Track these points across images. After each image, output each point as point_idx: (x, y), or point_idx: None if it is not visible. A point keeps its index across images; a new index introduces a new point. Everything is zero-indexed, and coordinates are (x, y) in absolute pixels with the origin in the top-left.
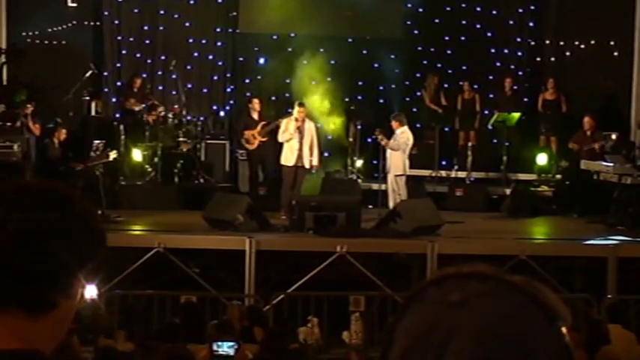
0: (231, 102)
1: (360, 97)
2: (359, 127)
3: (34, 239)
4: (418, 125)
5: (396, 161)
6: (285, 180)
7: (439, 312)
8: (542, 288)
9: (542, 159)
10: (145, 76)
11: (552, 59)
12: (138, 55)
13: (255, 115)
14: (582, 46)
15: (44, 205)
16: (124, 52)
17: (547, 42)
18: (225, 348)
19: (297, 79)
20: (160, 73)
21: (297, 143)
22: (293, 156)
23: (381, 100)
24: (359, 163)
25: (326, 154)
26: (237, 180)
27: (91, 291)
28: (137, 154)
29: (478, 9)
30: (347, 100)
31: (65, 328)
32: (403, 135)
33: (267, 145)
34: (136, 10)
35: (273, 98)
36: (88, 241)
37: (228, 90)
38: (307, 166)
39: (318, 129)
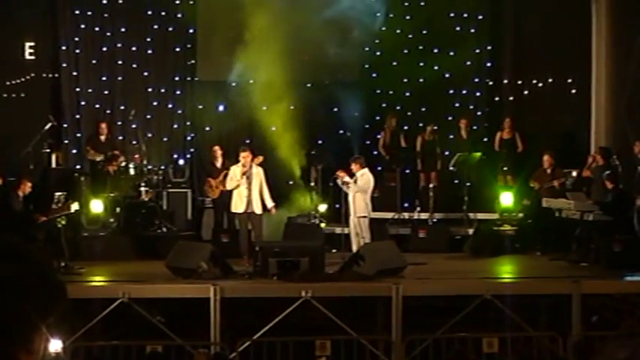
0: (192, 150)
1: (320, 142)
2: (320, 170)
3: None
4: (379, 168)
5: (359, 203)
6: (240, 227)
7: None
8: None
9: (506, 198)
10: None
11: (510, 98)
12: (97, 106)
13: (218, 163)
14: (540, 85)
15: (1, 258)
16: (83, 103)
17: (505, 81)
18: None
19: (257, 125)
20: (119, 122)
21: (246, 190)
22: (242, 203)
23: (341, 144)
24: (321, 207)
25: (288, 200)
26: (200, 228)
27: (55, 345)
28: (98, 205)
29: (435, 50)
30: (307, 144)
31: None
32: (364, 177)
33: (230, 193)
34: (94, 62)
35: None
36: (46, 293)
37: (189, 138)
38: (258, 211)
39: (266, 172)
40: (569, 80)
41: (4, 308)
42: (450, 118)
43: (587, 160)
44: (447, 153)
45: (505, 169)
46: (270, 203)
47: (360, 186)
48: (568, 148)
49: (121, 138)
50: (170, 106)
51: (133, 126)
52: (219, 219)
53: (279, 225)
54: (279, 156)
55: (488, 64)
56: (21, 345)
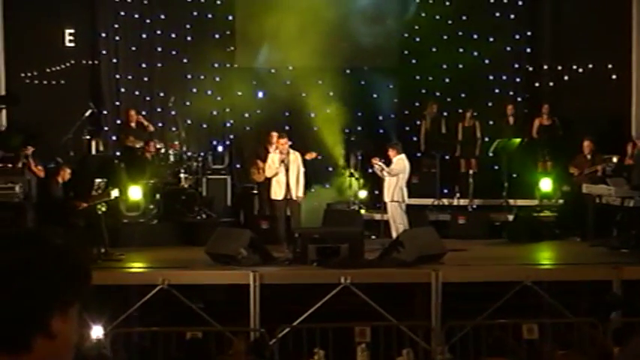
0: (231, 137)
1: (359, 128)
2: (359, 157)
3: (5, 278)
4: (418, 154)
5: (392, 188)
6: (278, 214)
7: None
8: None
9: (545, 184)
10: (144, 113)
11: (550, 84)
12: (136, 93)
13: (271, 149)
14: (580, 70)
15: (17, 244)
16: (122, 90)
17: (544, 67)
18: None
19: (295, 112)
20: (159, 110)
21: (284, 176)
22: (281, 189)
23: (381, 130)
24: (361, 193)
25: (327, 186)
26: (240, 214)
27: (97, 331)
28: (137, 192)
29: (475, 36)
30: (347, 131)
31: None
32: (399, 162)
33: None
34: (133, 48)
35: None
36: (67, 277)
37: (228, 125)
38: (296, 197)
39: (303, 158)
40: (610, 66)
41: (15, 292)
42: (489, 104)
43: (627, 150)
44: (486, 139)
45: (544, 155)
46: (300, 193)
47: (394, 172)
48: (608, 134)
49: (160, 125)
50: (209, 92)
51: (172, 113)
52: (262, 204)
53: (318, 211)
54: (318, 142)
55: (528, 50)
56: (37, 329)
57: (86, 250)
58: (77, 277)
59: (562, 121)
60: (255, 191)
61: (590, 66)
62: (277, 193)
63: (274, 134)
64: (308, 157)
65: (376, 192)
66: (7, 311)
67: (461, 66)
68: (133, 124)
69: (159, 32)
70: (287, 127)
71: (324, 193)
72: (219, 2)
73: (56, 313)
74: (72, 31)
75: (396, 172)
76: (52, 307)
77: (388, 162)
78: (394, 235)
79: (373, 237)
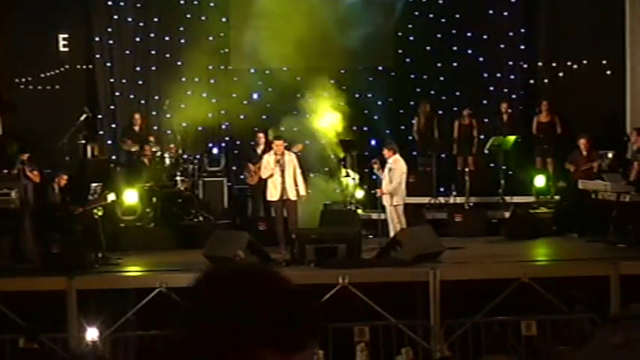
0: (227, 139)
1: (355, 128)
2: (355, 157)
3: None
4: (414, 153)
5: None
6: (276, 215)
7: (601, 354)
8: None
9: (540, 181)
10: (137, 117)
11: (546, 81)
12: (131, 96)
13: (259, 149)
14: (575, 67)
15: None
16: (117, 94)
17: (539, 64)
18: None
19: (291, 113)
20: (154, 113)
21: (280, 177)
22: (277, 190)
23: (376, 130)
24: (358, 193)
25: (324, 186)
26: (236, 216)
27: (92, 334)
28: (133, 195)
29: (469, 34)
30: (342, 131)
31: None
32: (397, 165)
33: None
34: (127, 52)
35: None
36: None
37: (223, 127)
38: (293, 198)
39: (299, 158)
40: (604, 62)
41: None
42: (485, 102)
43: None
44: (482, 137)
45: (544, 152)
46: (302, 191)
47: (397, 179)
48: (604, 130)
49: (155, 128)
50: (204, 95)
51: (168, 116)
52: (257, 206)
53: (315, 212)
54: (314, 143)
55: (522, 47)
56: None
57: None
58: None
59: (561, 118)
60: (249, 193)
61: (585, 62)
62: (273, 194)
63: (261, 135)
64: (295, 149)
65: (373, 191)
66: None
67: (455, 64)
68: (136, 128)
69: (153, 35)
70: (282, 129)
71: (321, 193)
72: (212, 4)
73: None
74: (66, 36)
75: (399, 177)
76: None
77: (383, 162)
78: (392, 234)
79: (371, 236)
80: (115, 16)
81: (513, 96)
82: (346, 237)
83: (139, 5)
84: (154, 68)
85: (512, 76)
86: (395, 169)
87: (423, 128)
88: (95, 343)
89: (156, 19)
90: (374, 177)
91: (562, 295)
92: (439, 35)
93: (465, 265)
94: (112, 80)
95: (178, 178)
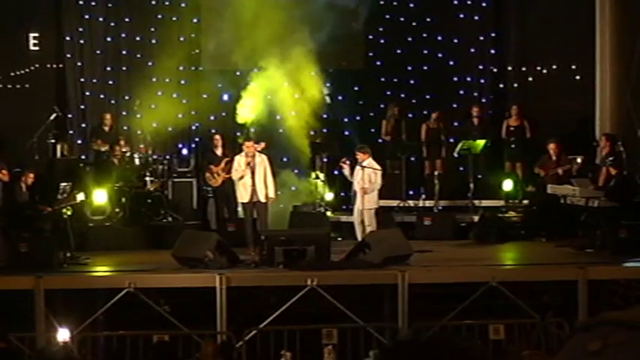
0: (197, 140)
1: (325, 130)
2: (325, 160)
3: None
4: (384, 156)
5: (369, 195)
6: (245, 216)
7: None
8: None
9: (508, 185)
10: (108, 117)
11: (515, 85)
12: (102, 96)
13: (219, 152)
14: (545, 71)
15: None
16: (87, 93)
17: (509, 68)
18: None
19: (261, 115)
20: (124, 113)
21: (250, 179)
22: (247, 192)
23: (347, 132)
24: (327, 195)
25: (293, 188)
26: (206, 217)
27: (63, 334)
28: (102, 195)
29: (439, 38)
30: (312, 133)
31: None
32: (375, 165)
33: (232, 182)
34: (98, 52)
35: (238, 134)
36: None
37: (194, 128)
38: (263, 200)
39: (271, 161)
40: (574, 67)
41: None
42: (454, 106)
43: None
44: (451, 140)
45: (513, 156)
46: (272, 194)
47: (376, 180)
48: (573, 134)
49: (125, 128)
50: (175, 95)
51: (138, 116)
52: (221, 208)
53: (284, 214)
54: (284, 144)
55: (493, 51)
56: None
57: None
58: None
59: (531, 122)
60: (210, 195)
61: (555, 67)
62: (243, 195)
63: (218, 137)
64: (259, 147)
65: (342, 194)
66: None
67: (426, 67)
68: (106, 128)
69: (124, 35)
70: (252, 130)
71: (290, 195)
72: (184, 5)
73: None
74: (36, 34)
75: (380, 178)
76: None
77: (353, 165)
78: (359, 236)
79: (339, 239)
80: (86, 16)
81: (483, 100)
82: (315, 239)
83: (110, 5)
84: (124, 68)
85: (482, 80)
86: (375, 171)
87: (392, 131)
88: (66, 343)
89: (127, 19)
90: (344, 178)
91: (531, 299)
92: (410, 38)
93: (434, 268)
94: (82, 80)
95: (148, 178)
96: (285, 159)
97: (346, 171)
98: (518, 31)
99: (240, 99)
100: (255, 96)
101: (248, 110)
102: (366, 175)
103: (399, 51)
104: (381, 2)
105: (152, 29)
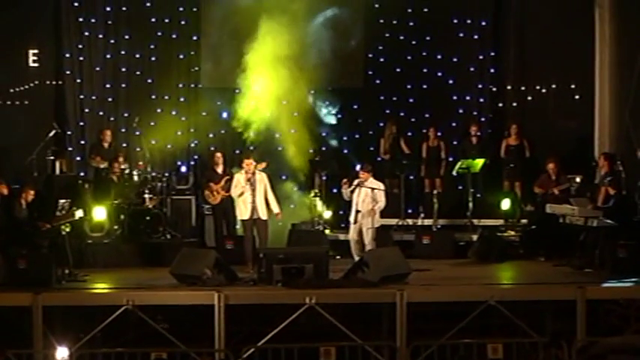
0: (196, 157)
1: (324, 148)
2: (324, 178)
3: None
4: (382, 174)
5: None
6: (245, 234)
7: None
8: None
9: (505, 204)
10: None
11: (514, 104)
12: (101, 113)
13: (219, 169)
14: (544, 91)
15: None
16: (86, 110)
17: (508, 87)
18: None
19: (260, 132)
20: (123, 130)
21: (250, 196)
22: (247, 209)
23: (345, 151)
24: (326, 214)
25: (291, 206)
26: (204, 235)
27: (62, 353)
28: (101, 212)
29: (439, 57)
30: (311, 151)
31: None
32: (379, 185)
33: (231, 200)
34: (97, 69)
35: (237, 152)
36: None
37: (192, 145)
38: (263, 217)
39: (270, 178)
40: (573, 86)
41: None
42: (453, 124)
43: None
44: (451, 159)
45: (512, 175)
46: (276, 209)
47: (381, 199)
48: (572, 153)
49: (124, 145)
50: (174, 113)
51: (137, 133)
52: (219, 225)
53: (283, 232)
54: (283, 163)
55: (492, 70)
56: None
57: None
58: None
59: (530, 142)
60: (209, 212)
61: (554, 86)
62: (243, 213)
63: (219, 155)
64: (259, 167)
65: (341, 212)
66: None
67: (425, 86)
68: (105, 145)
69: (123, 52)
70: (251, 147)
71: (289, 213)
72: (183, 22)
73: None
74: (36, 51)
75: (384, 196)
76: None
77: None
78: (354, 255)
79: (338, 257)
80: (86, 33)
81: (482, 119)
82: (314, 257)
83: (109, 22)
84: (124, 85)
85: (481, 99)
86: (380, 191)
87: (389, 150)
88: None
89: (126, 37)
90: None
91: (529, 319)
92: (409, 57)
93: (432, 287)
94: (81, 96)
95: (146, 195)
96: (283, 176)
97: (345, 190)
98: (517, 50)
99: (239, 116)
100: (254, 113)
101: (246, 123)
102: (369, 195)
103: (398, 69)
104: (381, 21)
105: (151, 46)
